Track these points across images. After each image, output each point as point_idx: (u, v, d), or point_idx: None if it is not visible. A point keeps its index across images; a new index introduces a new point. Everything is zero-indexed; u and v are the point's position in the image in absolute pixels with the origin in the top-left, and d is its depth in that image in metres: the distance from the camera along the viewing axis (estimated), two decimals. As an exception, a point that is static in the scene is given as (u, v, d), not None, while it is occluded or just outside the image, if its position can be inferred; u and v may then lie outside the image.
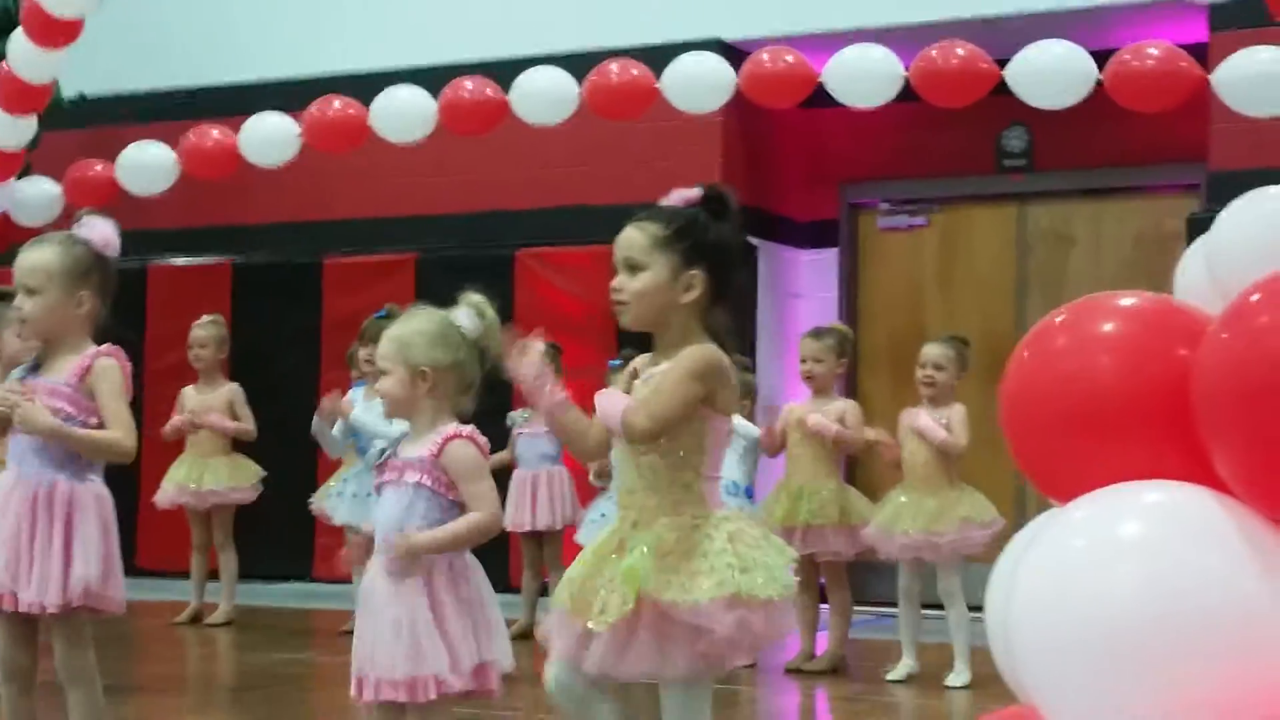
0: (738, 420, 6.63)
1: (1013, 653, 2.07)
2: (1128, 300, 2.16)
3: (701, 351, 3.22)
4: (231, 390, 8.19)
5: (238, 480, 8.18)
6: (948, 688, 6.30)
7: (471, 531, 3.42)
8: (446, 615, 3.39)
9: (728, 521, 3.19)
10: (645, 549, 3.13)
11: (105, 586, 3.84)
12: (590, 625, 3.14)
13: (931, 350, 6.60)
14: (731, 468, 6.74)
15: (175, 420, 8.11)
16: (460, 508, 3.47)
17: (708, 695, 3.22)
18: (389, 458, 3.54)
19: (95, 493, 3.88)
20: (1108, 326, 2.13)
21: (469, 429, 3.52)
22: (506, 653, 3.50)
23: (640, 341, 3.49)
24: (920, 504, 6.42)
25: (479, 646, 3.41)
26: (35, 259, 3.90)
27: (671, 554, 3.12)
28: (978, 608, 6.22)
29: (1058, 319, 2.18)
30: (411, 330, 3.52)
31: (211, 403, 8.15)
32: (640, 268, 3.27)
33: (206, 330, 8.19)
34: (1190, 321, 2.13)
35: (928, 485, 6.46)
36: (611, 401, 3.25)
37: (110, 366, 3.88)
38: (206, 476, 8.11)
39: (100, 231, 3.96)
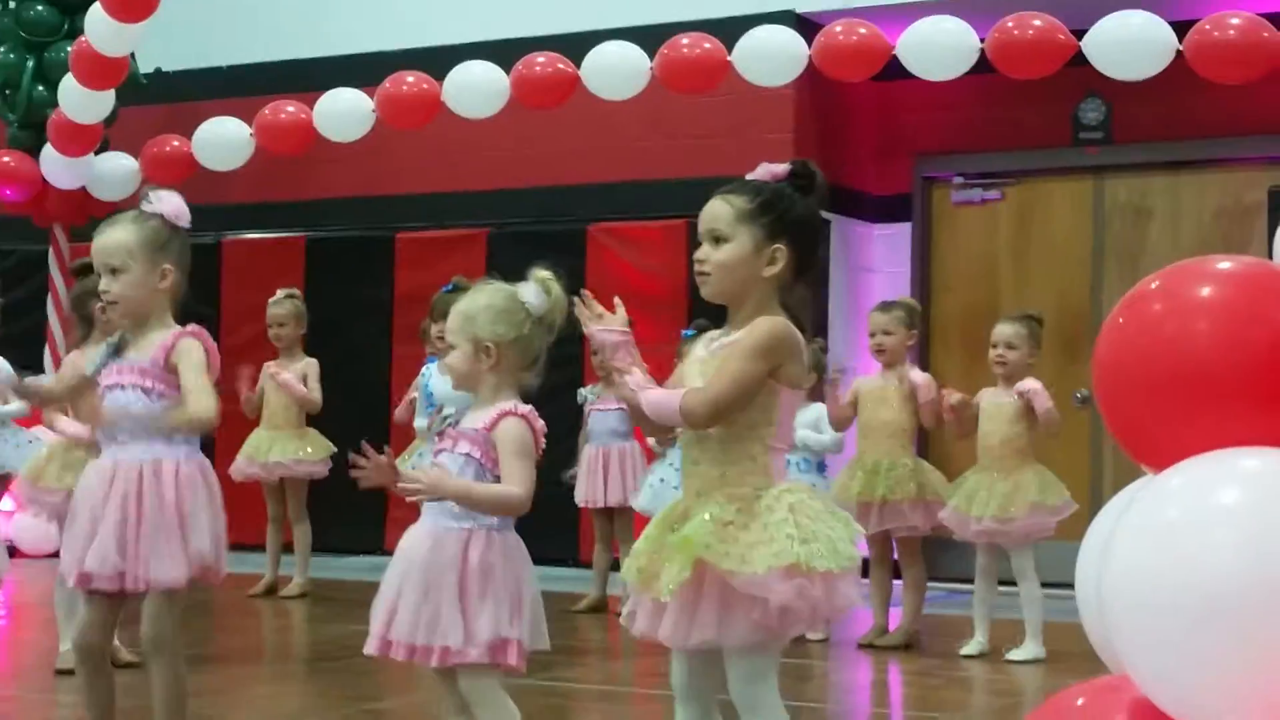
0: (806, 433, 6.63)
1: (1106, 622, 2.04)
2: (1225, 264, 2.12)
3: (770, 324, 3.21)
4: (307, 365, 8.24)
5: (306, 454, 8.22)
6: (1009, 661, 6.26)
7: (496, 500, 3.42)
8: (470, 587, 3.40)
9: (790, 493, 3.19)
10: (707, 517, 3.14)
11: (217, 559, 3.88)
12: (659, 597, 3.16)
13: (1004, 329, 6.55)
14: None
15: (245, 383, 8.11)
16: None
17: (772, 666, 3.22)
18: (449, 425, 3.56)
19: (200, 464, 3.91)
20: (1205, 291, 2.08)
21: (527, 408, 3.52)
22: (540, 633, 3.50)
23: (715, 313, 3.49)
24: (993, 487, 6.39)
25: (501, 622, 3.40)
26: (114, 238, 3.91)
27: (732, 524, 3.14)
28: (1051, 584, 6.23)
29: (1154, 284, 2.14)
30: (477, 305, 3.53)
31: (286, 378, 8.21)
32: (724, 239, 3.27)
33: (284, 307, 8.22)
34: (1290, 286, 2.09)
35: (1002, 465, 6.43)
36: (667, 395, 3.24)
37: (192, 346, 3.90)
38: (275, 449, 8.16)
39: (170, 204, 3.97)
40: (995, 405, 6.51)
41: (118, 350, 3.96)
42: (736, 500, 3.16)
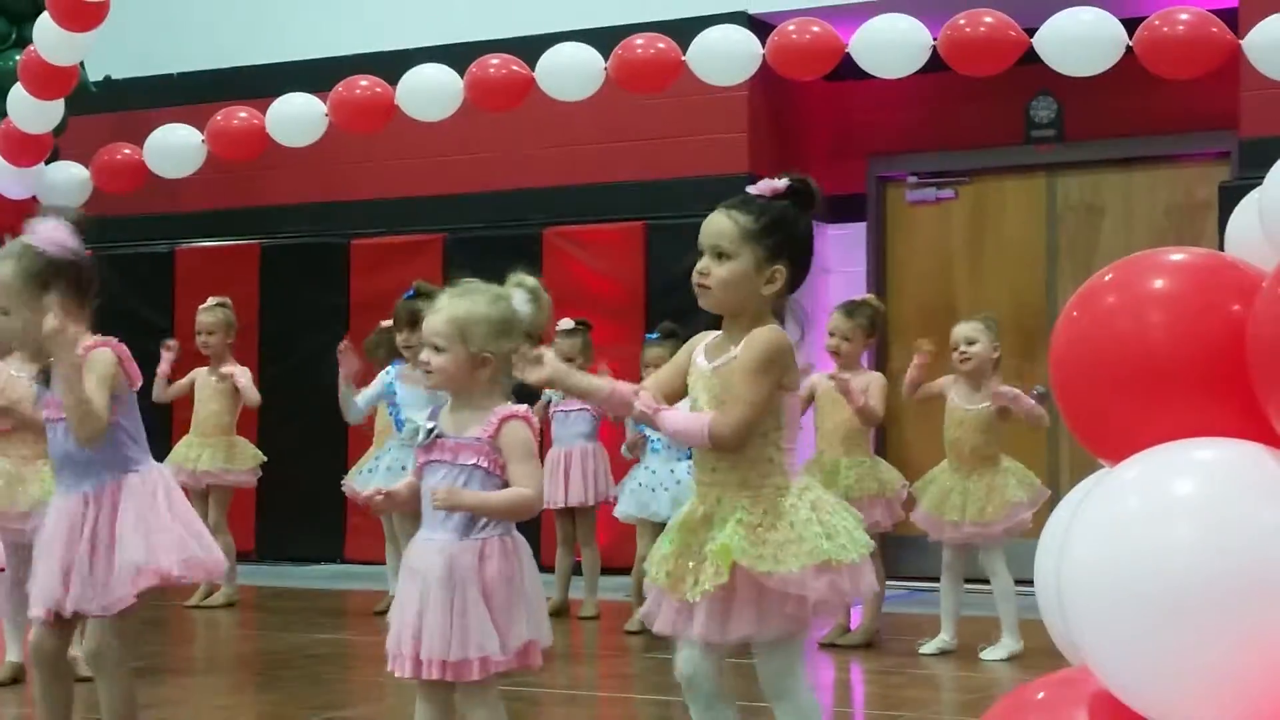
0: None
1: (1065, 615, 2.05)
2: (1178, 256, 2.14)
3: (768, 338, 3.34)
4: (238, 371, 8.13)
5: (235, 462, 8.13)
6: (989, 660, 6.27)
7: (514, 504, 3.45)
8: (495, 595, 3.42)
9: (809, 490, 3.38)
10: (736, 522, 3.28)
11: (172, 563, 3.83)
12: (687, 597, 3.30)
13: (962, 328, 6.55)
14: None
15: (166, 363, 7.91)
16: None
17: (801, 656, 3.43)
18: (438, 438, 3.52)
19: (140, 478, 3.89)
20: (1159, 283, 2.10)
21: (524, 409, 3.54)
22: (548, 630, 3.55)
23: (678, 317, 3.53)
24: (967, 490, 6.40)
25: (526, 625, 3.44)
26: None
27: (760, 526, 3.29)
28: (1015, 581, 6.24)
29: (1107, 277, 2.15)
30: (475, 314, 3.50)
31: (220, 386, 8.13)
32: (729, 256, 3.37)
33: (213, 315, 8.13)
34: (1242, 277, 2.10)
35: (973, 468, 6.43)
36: (689, 421, 3.36)
37: (101, 356, 3.83)
38: (204, 457, 8.08)
39: (50, 236, 3.86)
40: (965, 412, 6.49)
41: (46, 381, 3.93)
42: (761, 502, 3.31)
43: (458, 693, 3.48)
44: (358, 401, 7.21)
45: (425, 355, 3.55)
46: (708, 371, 3.40)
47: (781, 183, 3.43)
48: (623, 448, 7.17)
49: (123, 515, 3.82)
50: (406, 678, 3.48)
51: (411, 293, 7.24)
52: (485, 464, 3.45)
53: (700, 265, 3.39)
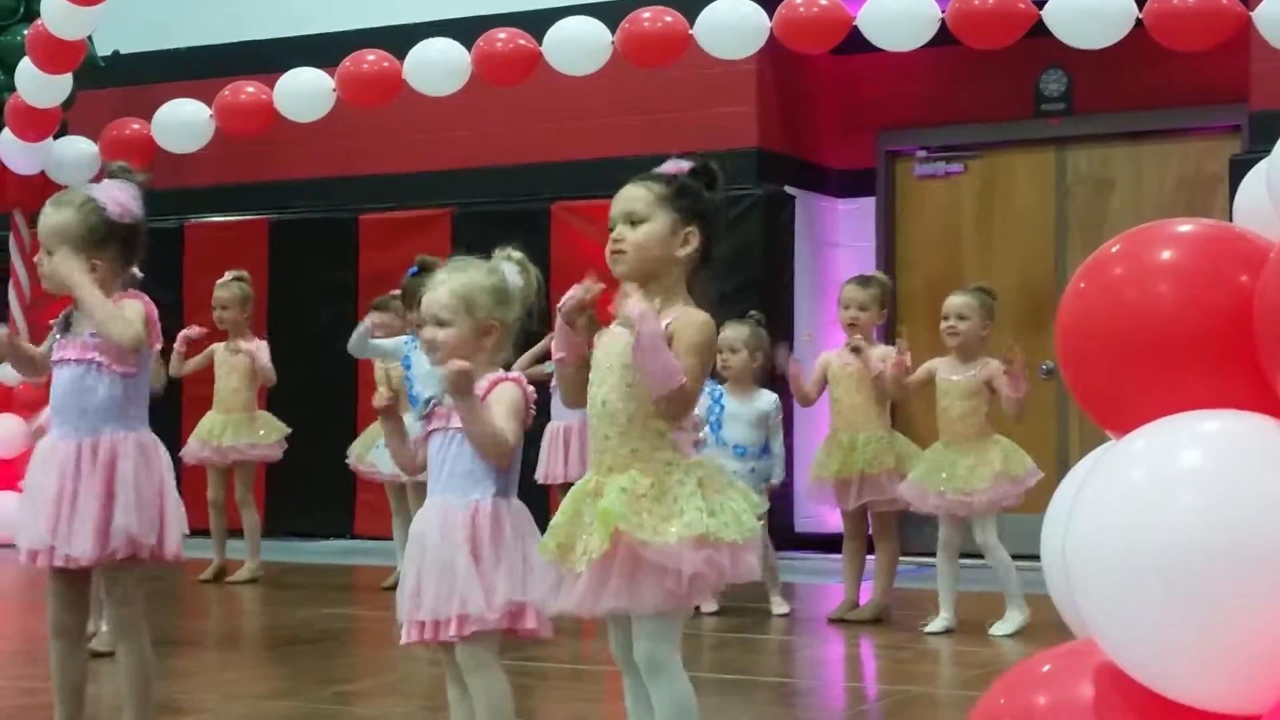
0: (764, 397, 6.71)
1: (1072, 587, 2.04)
2: (1185, 227, 2.12)
3: (701, 323, 3.37)
4: (258, 346, 8.15)
5: (259, 437, 8.13)
6: (999, 635, 6.25)
7: (495, 435, 3.46)
8: (483, 555, 3.45)
9: (698, 468, 3.36)
10: (621, 489, 3.28)
11: (148, 534, 3.83)
12: (576, 568, 3.29)
13: (955, 300, 6.50)
14: (742, 432, 6.71)
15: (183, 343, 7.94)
16: None
17: (677, 631, 3.38)
18: (435, 405, 3.57)
19: (137, 440, 3.88)
20: (1166, 254, 2.09)
21: (516, 374, 3.61)
22: (550, 597, 3.49)
23: None
24: (955, 462, 6.36)
25: (515, 587, 3.45)
26: (53, 221, 3.89)
27: (644, 496, 3.28)
28: (1019, 556, 6.23)
29: (1114, 249, 2.14)
30: (475, 285, 3.57)
31: (238, 362, 8.14)
32: (642, 220, 3.42)
33: (229, 290, 8.13)
34: (1250, 248, 2.09)
35: (963, 440, 6.39)
36: (669, 355, 3.30)
37: (132, 303, 3.88)
38: (228, 432, 8.09)
39: (115, 198, 3.93)
40: (951, 381, 6.45)
41: (66, 326, 3.95)
42: (649, 474, 3.30)
43: (459, 657, 3.50)
44: (370, 340, 7.17)
45: (429, 332, 3.57)
46: (611, 334, 3.42)
47: (686, 164, 3.51)
48: None
49: (119, 473, 3.82)
50: (411, 643, 3.51)
51: (415, 269, 7.23)
52: None
53: (615, 234, 3.42)
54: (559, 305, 3.43)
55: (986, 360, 6.43)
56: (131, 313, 3.83)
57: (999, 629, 6.31)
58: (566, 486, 7.58)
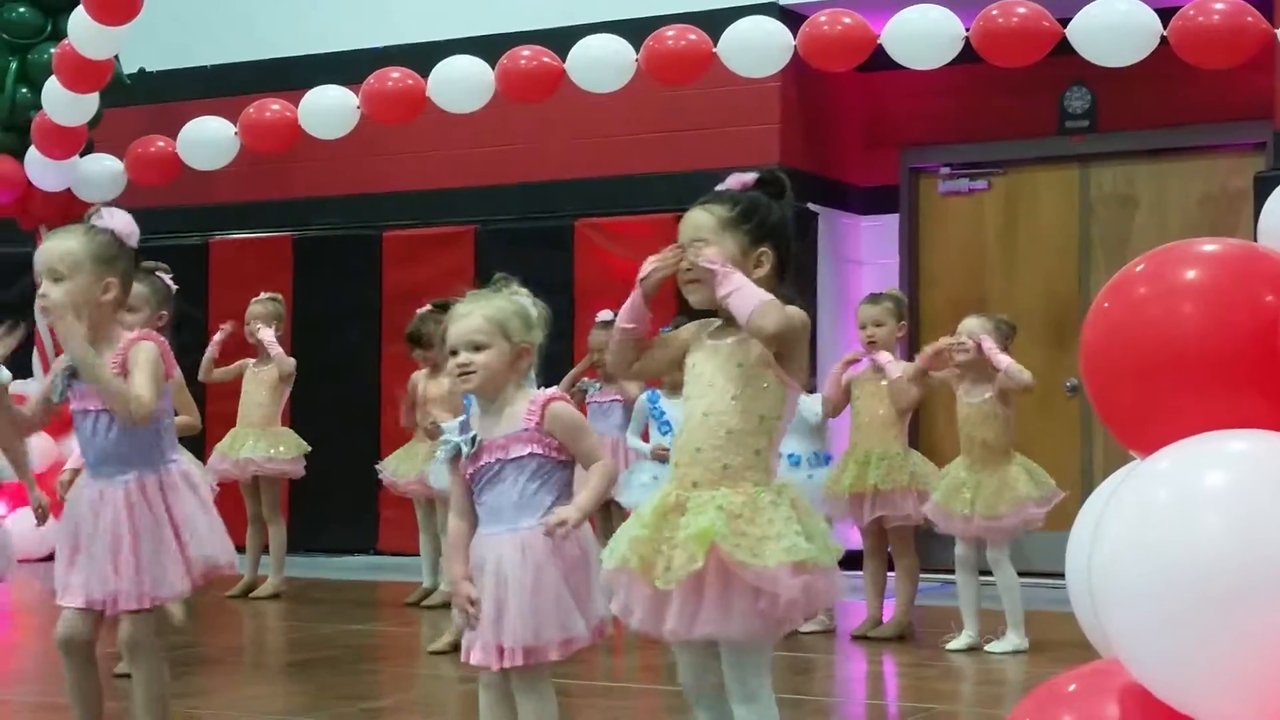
0: (804, 400, 6.70)
1: (1096, 605, 2.04)
2: (1210, 246, 2.12)
3: (799, 310, 3.31)
4: (285, 366, 8.18)
5: (278, 452, 8.13)
6: (994, 653, 6.24)
7: (605, 481, 3.49)
8: (573, 575, 3.47)
9: (789, 489, 3.32)
10: (717, 509, 3.21)
11: (224, 556, 3.92)
12: (657, 584, 3.23)
13: (969, 323, 6.47)
14: (793, 440, 6.72)
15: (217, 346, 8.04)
16: (569, 465, 3.55)
17: (769, 658, 3.33)
18: (483, 443, 3.54)
19: (181, 471, 3.92)
20: (1190, 274, 2.09)
21: (555, 389, 3.62)
22: (606, 605, 3.58)
23: (694, 314, 3.53)
24: (979, 484, 6.33)
25: (602, 604, 3.49)
26: (62, 245, 3.90)
27: (740, 517, 3.22)
28: (1043, 574, 6.20)
29: (1139, 268, 2.14)
30: (506, 310, 3.58)
31: (264, 377, 8.18)
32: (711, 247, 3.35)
33: (263, 307, 8.18)
34: (1275, 267, 2.08)
35: (986, 461, 6.37)
36: (751, 293, 3.25)
37: (145, 347, 3.87)
38: (246, 446, 8.11)
39: (121, 221, 3.96)
40: (971, 405, 6.43)
41: (72, 373, 3.91)
42: (739, 494, 3.25)
43: (514, 680, 3.50)
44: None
45: (464, 357, 3.56)
46: (718, 346, 3.38)
47: (750, 176, 3.44)
48: (650, 454, 7.22)
49: (177, 507, 3.86)
50: (491, 669, 3.49)
51: (429, 307, 7.33)
52: (540, 450, 3.50)
53: (685, 261, 3.35)
54: (639, 276, 3.36)
55: (997, 379, 6.38)
56: (141, 375, 3.80)
57: (995, 647, 6.29)
58: (607, 500, 7.67)
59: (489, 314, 3.56)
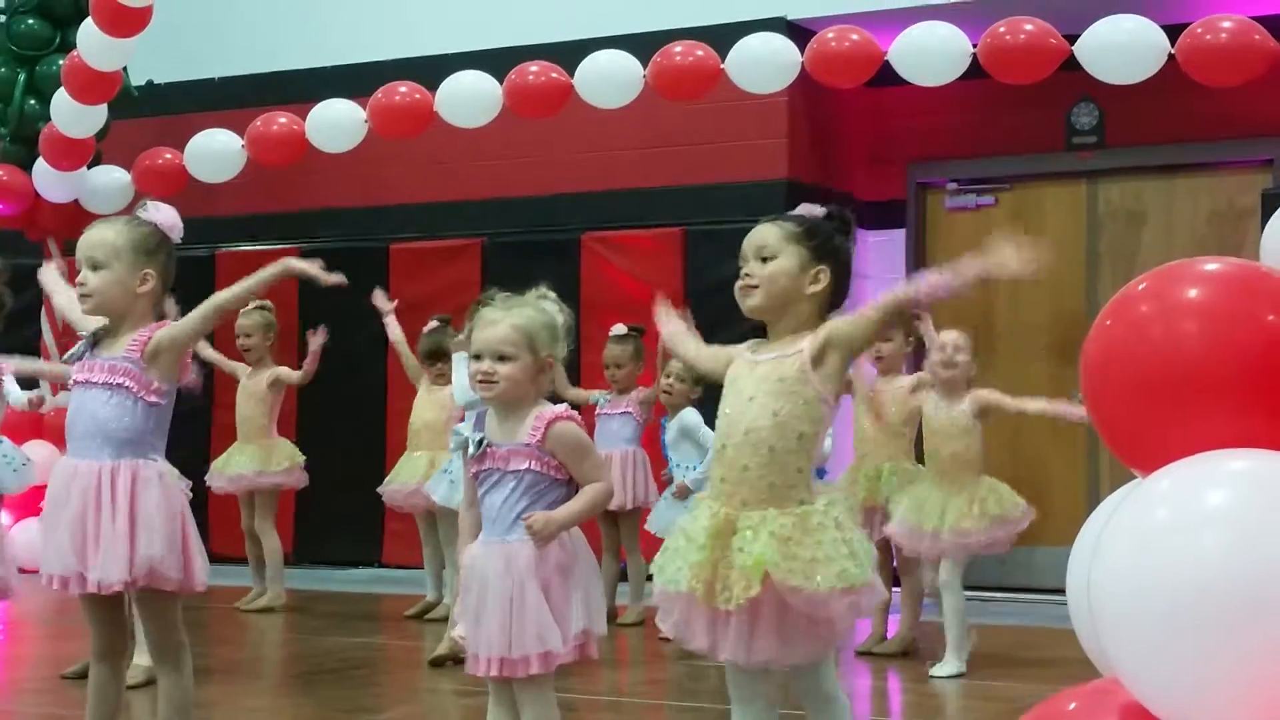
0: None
1: (1096, 624, 2.04)
2: (1213, 265, 2.12)
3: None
4: (274, 373, 8.19)
5: (271, 464, 8.12)
6: (937, 677, 6.11)
7: (595, 503, 3.53)
8: (553, 589, 3.48)
9: (833, 506, 3.39)
10: (770, 535, 3.29)
11: (169, 565, 3.81)
12: (718, 604, 3.32)
13: (953, 335, 6.39)
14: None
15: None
16: (568, 484, 3.57)
17: (832, 661, 3.52)
18: (489, 447, 3.57)
19: (158, 470, 3.88)
20: (1193, 292, 2.09)
21: (563, 407, 3.62)
22: (603, 620, 3.61)
23: (717, 324, 3.58)
24: (946, 501, 6.21)
25: (584, 616, 3.50)
26: (103, 234, 3.95)
27: (790, 540, 3.30)
28: (1046, 590, 6.15)
29: (1141, 286, 2.14)
30: (535, 320, 3.61)
31: (252, 389, 8.19)
32: (772, 256, 3.50)
33: (251, 318, 8.20)
34: (1277, 286, 2.08)
35: (953, 478, 6.25)
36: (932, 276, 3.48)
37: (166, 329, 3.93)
38: (242, 460, 8.10)
39: (165, 215, 4.00)
40: (941, 418, 6.33)
41: (94, 344, 3.95)
42: (786, 514, 3.33)
43: (516, 689, 3.52)
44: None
45: (489, 365, 3.56)
46: (757, 362, 3.45)
47: (820, 210, 3.59)
48: (669, 492, 7.25)
49: (140, 502, 3.81)
50: (479, 676, 3.54)
51: (435, 323, 7.35)
52: (537, 467, 3.53)
53: (747, 269, 3.49)
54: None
55: (975, 394, 6.33)
56: (175, 328, 3.93)
57: (938, 670, 6.17)
58: (610, 516, 7.67)
59: (518, 324, 3.58)
